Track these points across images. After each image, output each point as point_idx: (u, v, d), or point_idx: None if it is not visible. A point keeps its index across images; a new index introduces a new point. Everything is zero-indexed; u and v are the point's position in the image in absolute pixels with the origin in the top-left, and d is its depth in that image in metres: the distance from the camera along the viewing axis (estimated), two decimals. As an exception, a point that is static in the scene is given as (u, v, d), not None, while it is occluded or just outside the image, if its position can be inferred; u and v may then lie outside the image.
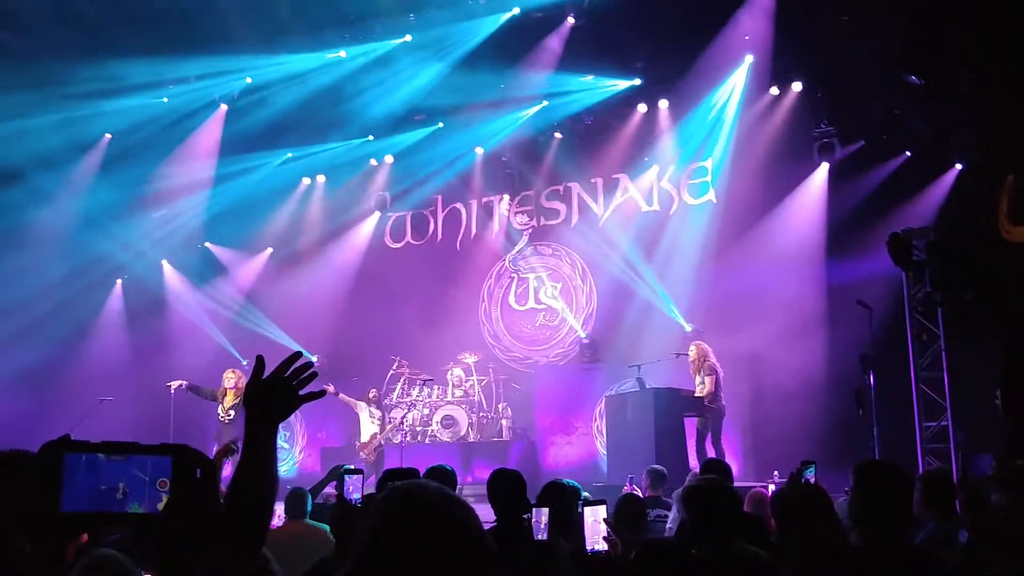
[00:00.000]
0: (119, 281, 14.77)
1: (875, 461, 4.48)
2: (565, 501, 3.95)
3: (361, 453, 11.85)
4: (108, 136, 13.20)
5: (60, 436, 1.41)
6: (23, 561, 1.43)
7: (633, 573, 3.22)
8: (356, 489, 3.52)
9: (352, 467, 3.64)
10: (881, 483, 3.15)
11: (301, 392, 1.67)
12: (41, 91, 11.65)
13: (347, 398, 12.33)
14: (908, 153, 11.28)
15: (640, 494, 6.98)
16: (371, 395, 12.36)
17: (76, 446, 1.39)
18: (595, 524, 3.69)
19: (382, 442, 11.96)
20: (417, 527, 1.38)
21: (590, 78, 12.73)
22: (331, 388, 11.75)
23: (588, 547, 3.57)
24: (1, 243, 12.58)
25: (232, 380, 11.25)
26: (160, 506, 1.41)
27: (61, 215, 13.33)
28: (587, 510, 3.71)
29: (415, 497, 1.42)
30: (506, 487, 3.97)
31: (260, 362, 1.66)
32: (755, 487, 6.62)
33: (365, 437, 12.02)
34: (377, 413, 12.17)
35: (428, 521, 1.39)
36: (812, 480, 3.50)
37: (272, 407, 1.63)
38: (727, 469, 5.59)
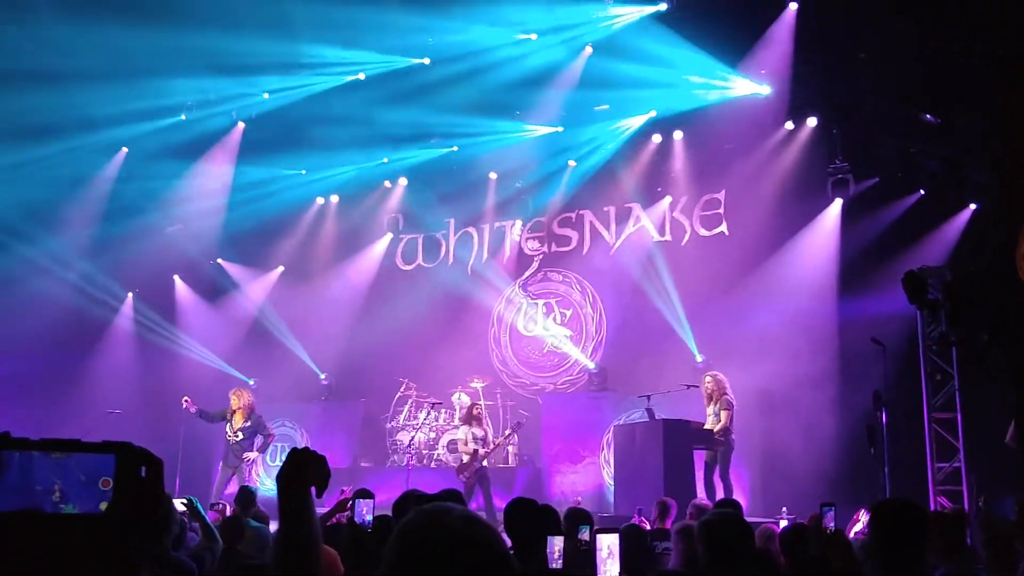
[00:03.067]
0: (130, 295, 14.80)
1: (892, 500, 4.42)
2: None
3: (460, 476, 10.58)
4: (124, 150, 13.31)
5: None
6: None
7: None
8: (367, 512, 3.49)
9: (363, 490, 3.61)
10: (900, 522, 3.11)
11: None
12: (62, 109, 11.76)
13: (455, 436, 11.80)
14: (923, 191, 11.25)
15: (647, 526, 6.93)
16: (474, 411, 11.10)
17: (11, 443, 1.34)
18: (604, 553, 3.65)
19: (484, 464, 10.71)
20: (442, 550, 1.36)
21: (606, 107, 12.80)
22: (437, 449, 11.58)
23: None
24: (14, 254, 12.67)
25: (237, 401, 10.85)
26: (103, 506, 1.36)
27: (74, 228, 13.40)
28: (599, 538, 3.68)
29: (439, 519, 1.41)
30: (524, 516, 3.94)
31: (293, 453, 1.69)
32: (764, 523, 6.56)
33: (466, 459, 10.73)
34: (480, 433, 10.84)
35: (453, 544, 1.37)
36: (832, 522, 3.45)
37: (304, 478, 1.66)
38: (738, 506, 5.55)
